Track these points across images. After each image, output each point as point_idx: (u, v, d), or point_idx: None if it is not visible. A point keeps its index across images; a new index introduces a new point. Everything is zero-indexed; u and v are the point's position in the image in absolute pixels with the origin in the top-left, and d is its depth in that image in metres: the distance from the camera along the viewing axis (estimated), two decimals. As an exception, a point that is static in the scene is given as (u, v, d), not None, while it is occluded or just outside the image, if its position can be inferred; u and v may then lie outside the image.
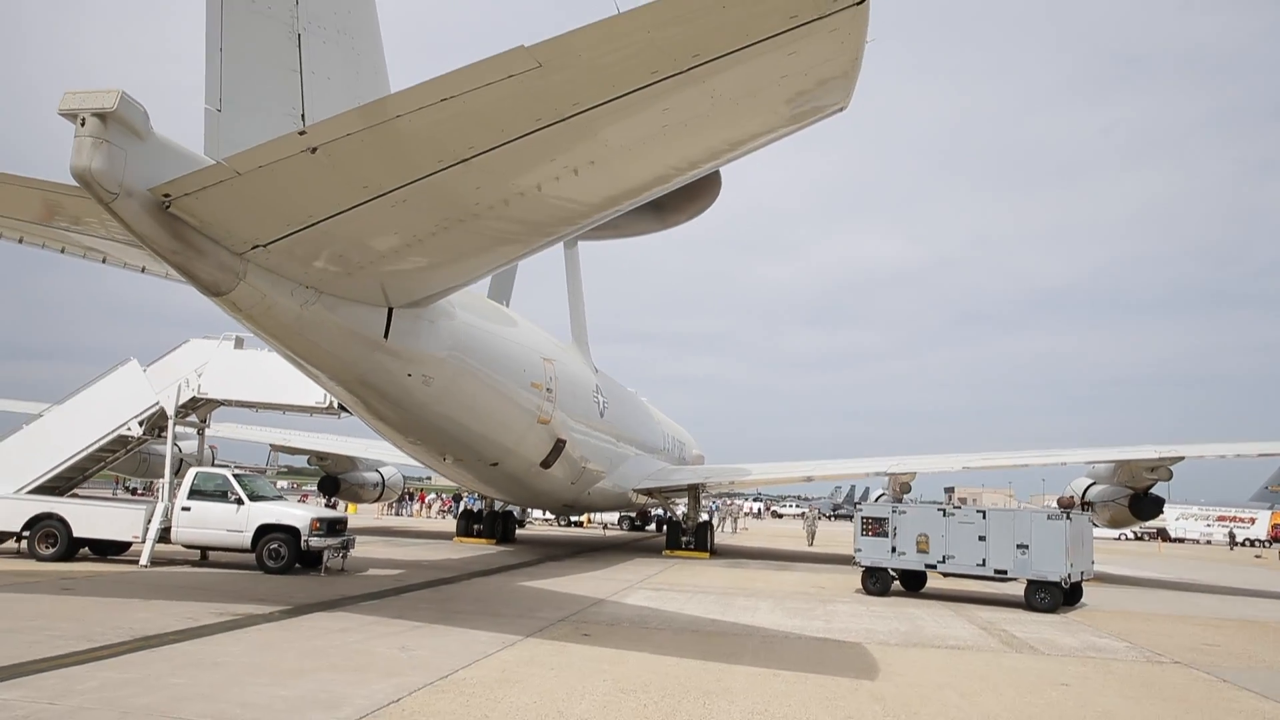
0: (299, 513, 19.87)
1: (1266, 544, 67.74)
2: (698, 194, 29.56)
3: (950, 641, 14.87)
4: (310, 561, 20.17)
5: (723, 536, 53.12)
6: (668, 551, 32.56)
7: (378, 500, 41.64)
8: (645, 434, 35.23)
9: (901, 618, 17.59)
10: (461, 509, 37.02)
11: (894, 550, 21.52)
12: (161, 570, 19.18)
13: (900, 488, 33.25)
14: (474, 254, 13.81)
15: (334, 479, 36.90)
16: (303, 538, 19.45)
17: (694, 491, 33.55)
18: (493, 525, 33.87)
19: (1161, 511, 30.93)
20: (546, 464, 23.93)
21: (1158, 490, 29.07)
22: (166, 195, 11.39)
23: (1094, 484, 31.19)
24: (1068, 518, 19.97)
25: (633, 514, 51.08)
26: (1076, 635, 16.26)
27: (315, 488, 40.77)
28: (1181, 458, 27.35)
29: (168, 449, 21.02)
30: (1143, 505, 29.10)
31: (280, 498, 21.75)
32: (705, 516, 42.43)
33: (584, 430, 26.12)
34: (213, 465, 33.39)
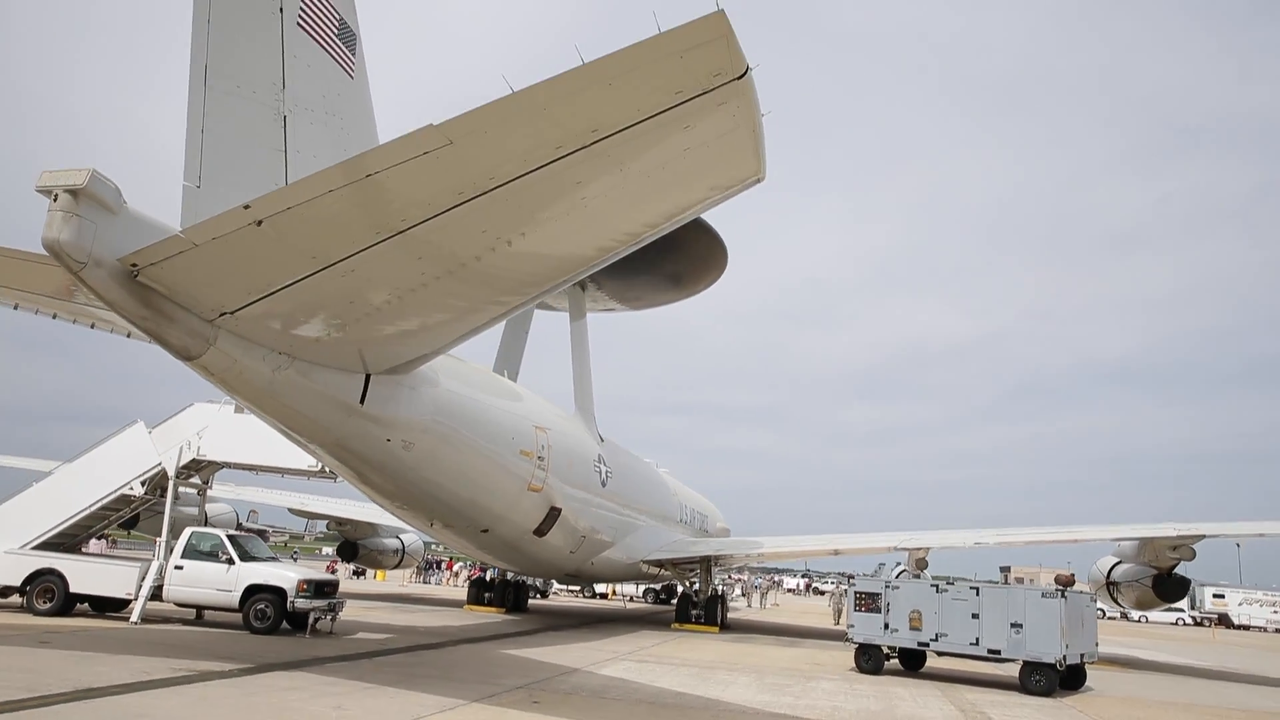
0: (286, 574, 20.21)
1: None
2: (705, 266, 30.09)
3: (918, 723, 14.42)
4: (298, 623, 20.45)
5: (750, 611, 52.15)
6: (676, 625, 32.08)
7: (398, 566, 41.84)
8: (658, 504, 35.07)
9: (880, 697, 17.08)
10: (473, 577, 36.98)
11: (887, 627, 20.98)
12: (150, 628, 19.62)
13: (917, 563, 32.38)
14: (435, 322, 14.25)
15: (353, 544, 37.31)
16: (289, 599, 19.75)
17: (705, 564, 33.17)
18: (504, 594, 33.82)
19: (1186, 593, 29.56)
20: (541, 532, 24.00)
21: (1183, 570, 27.84)
22: (134, 265, 12.08)
23: (1119, 563, 30.08)
24: (1063, 596, 19.32)
25: (657, 587, 50.49)
26: (1059, 721, 15.61)
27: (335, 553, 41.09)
28: (1202, 536, 26.27)
29: (168, 508, 21.61)
30: (1167, 586, 27.92)
31: (274, 559, 22.15)
32: (721, 589, 41.88)
33: (583, 499, 26.17)
34: (238, 527, 34.20)
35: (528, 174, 9.82)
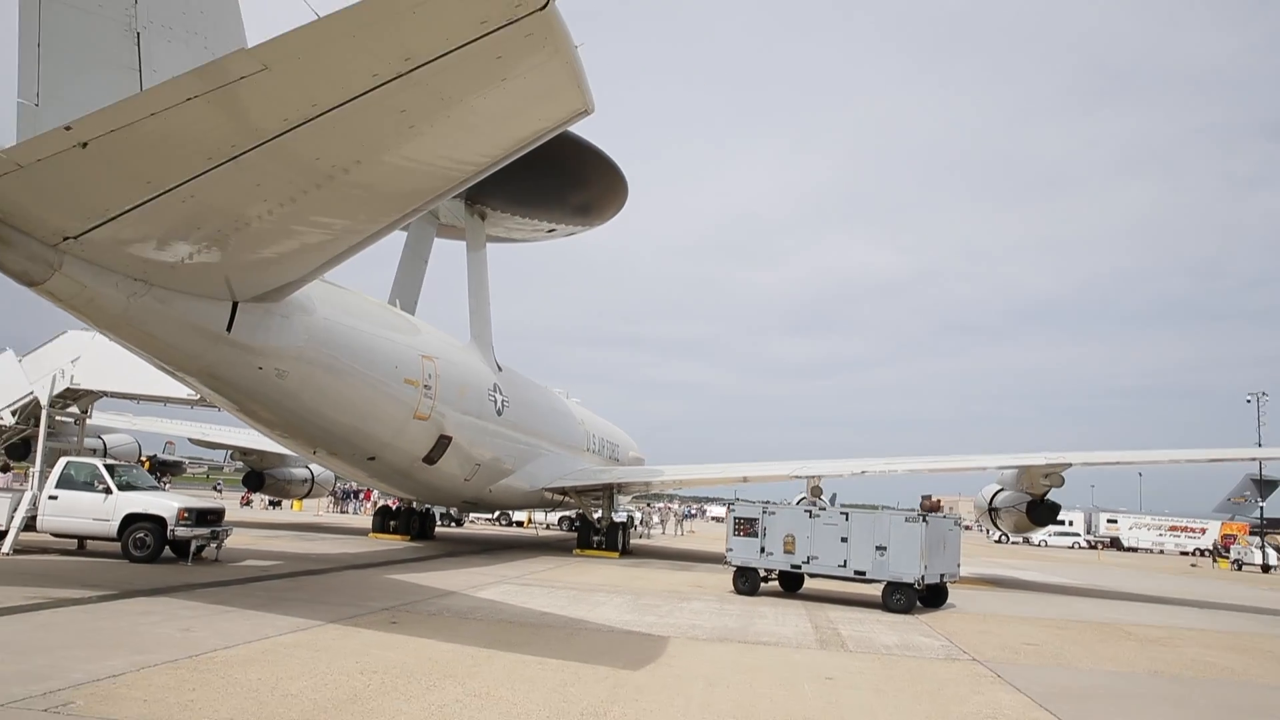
0: (166, 502, 20.13)
1: (1214, 554, 68.31)
2: (603, 199, 30.12)
3: (766, 638, 15.16)
4: (181, 551, 20.48)
5: (664, 538, 53.59)
6: (578, 550, 32.91)
7: (308, 495, 41.83)
8: (561, 433, 35.56)
9: (744, 615, 17.90)
10: (379, 506, 37.24)
11: (763, 550, 21.88)
12: (22, 558, 19.44)
13: (813, 491, 33.59)
14: (290, 249, 14.11)
15: (259, 475, 37.07)
16: (169, 527, 19.73)
17: (608, 491, 33.91)
18: (409, 522, 34.17)
19: (1056, 518, 31.38)
20: (431, 459, 24.26)
21: (1054, 496, 29.47)
22: (-43, 188, 11.67)
23: (1001, 490, 31.68)
24: (924, 520, 20.36)
25: (572, 515, 51.41)
26: (903, 635, 16.56)
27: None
28: (1069, 464, 27.82)
29: (40, 437, 21.17)
30: (1039, 511, 29.57)
31: (156, 488, 22.00)
32: (628, 516, 42.80)
33: (476, 426, 26.44)
34: (152, 458, 33.65)
35: (351, 101, 9.73)
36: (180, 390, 21.68)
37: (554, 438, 34.28)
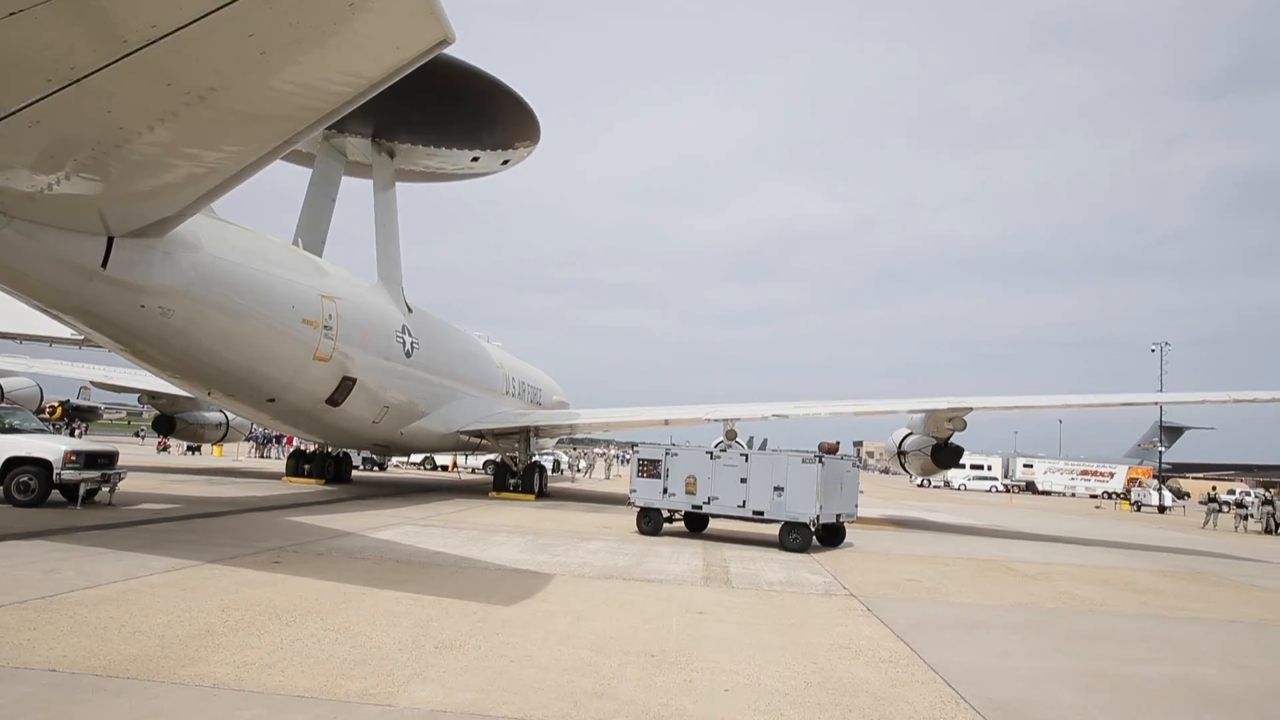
0: (52, 445, 19.53)
1: (1120, 496, 71.56)
2: (511, 136, 29.59)
3: (653, 575, 15.42)
4: (71, 495, 19.94)
5: (591, 482, 54.00)
6: (494, 493, 33.02)
7: (223, 440, 40.99)
8: (478, 376, 35.35)
9: (639, 555, 18.18)
10: (293, 450, 36.73)
11: (665, 491, 22.21)
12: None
13: (728, 434, 34.07)
14: (159, 182, 13.59)
15: (169, 418, 36.17)
16: (55, 471, 19.18)
17: (525, 434, 33.97)
18: (323, 465, 33.78)
19: (958, 460, 32.42)
20: (335, 401, 23.94)
21: (957, 440, 30.40)
22: None
23: (910, 434, 32.51)
24: (820, 462, 20.83)
25: (497, 458, 51.43)
26: (791, 572, 17.01)
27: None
28: (970, 408, 28.71)
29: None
30: (942, 454, 30.51)
31: (42, 431, 21.32)
32: (549, 460, 43.00)
33: (382, 368, 26.12)
34: (65, 404, 32.42)
35: (193, 23, 9.30)
36: (65, 330, 20.91)
37: (469, 380, 34.06)
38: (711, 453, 22.09)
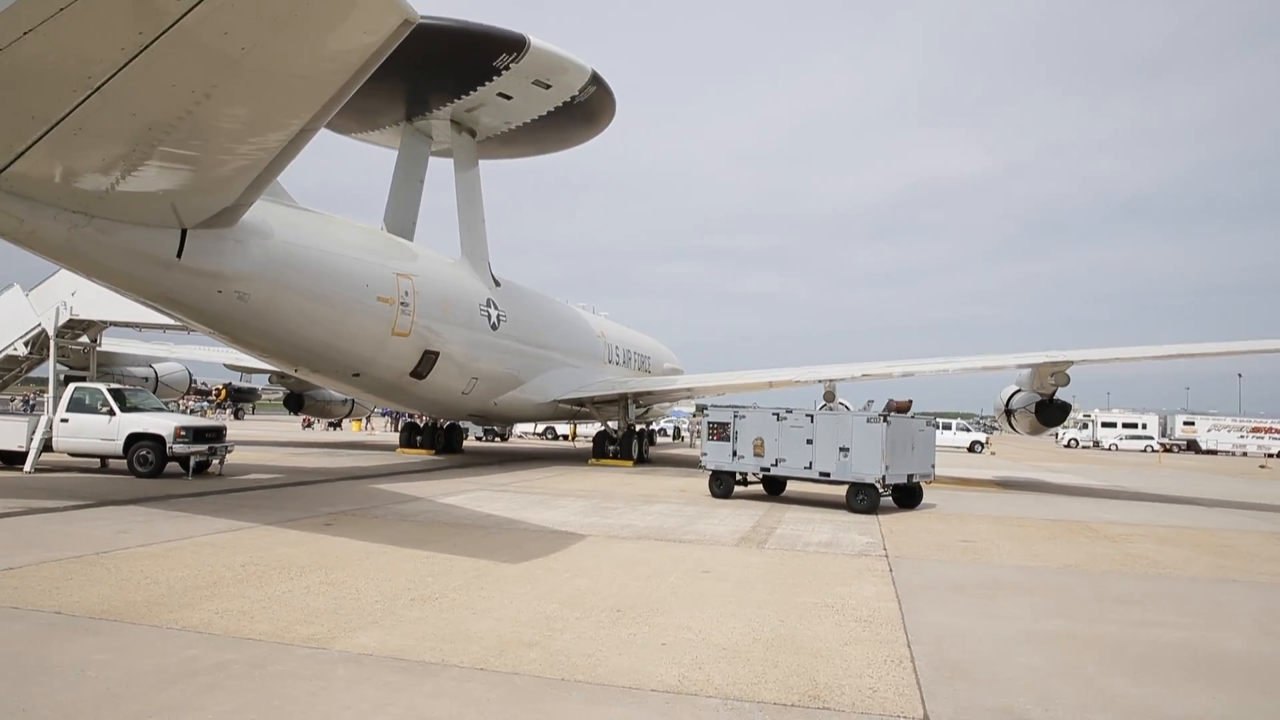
0: (165, 422, 21.62)
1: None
2: (589, 115, 29.91)
3: (691, 537, 15.47)
4: (186, 466, 22.05)
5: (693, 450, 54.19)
6: (593, 460, 33.83)
7: (349, 416, 43.78)
8: (576, 345, 36.12)
9: (694, 517, 18.23)
10: (406, 423, 38.79)
11: (734, 454, 22.19)
12: (38, 475, 21.28)
13: (826, 395, 33.42)
14: (206, 176, 14.74)
15: (298, 396, 38.98)
16: (168, 445, 21.23)
17: (623, 402, 34.54)
18: (434, 437, 35.61)
19: (1065, 418, 30.47)
20: (419, 374, 25.21)
21: (1063, 395, 28.68)
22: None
23: (1018, 391, 30.95)
24: (885, 421, 20.25)
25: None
26: (838, 534, 16.61)
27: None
28: (1070, 362, 26.98)
29: (50, 367, 22.90)
30: (1048, 411, 28.88)
31: (160, 410, 23.57)
32: (653, 426, 43.36)
33: (468, 340, 27.24)
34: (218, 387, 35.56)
35: (174, 25, 10.09)
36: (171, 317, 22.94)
37: (566, 349, 34.92)
38: (778, 414, 21.83)
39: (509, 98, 27.51)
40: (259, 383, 68.34)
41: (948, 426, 64.20)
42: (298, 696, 6.57)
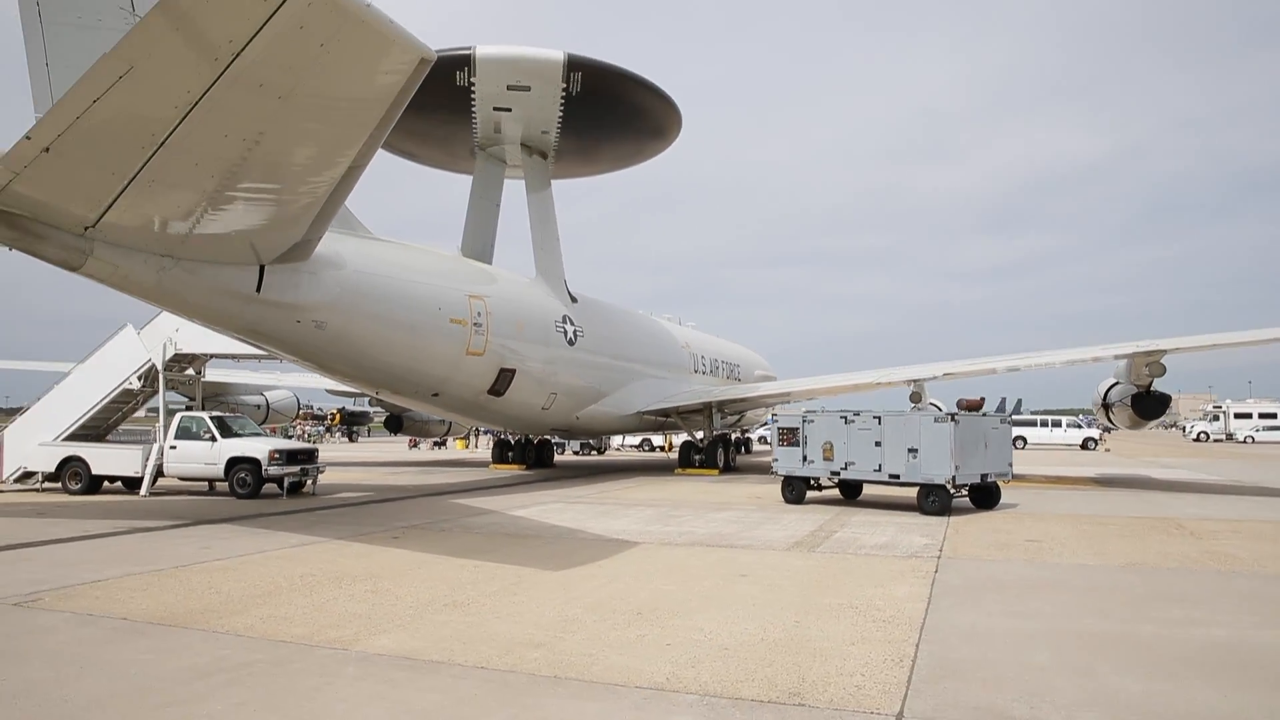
0: (261, 446, 23.14)
1: None
2: (658, 128, 30.42)
3: (745, 542, 15.59)
4: (283, 487, 23.53)
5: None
6: (679, 470, 34.10)
7: (448, 434, 45.40)
8: (659, 356, 36.49)
9: (755, 523, 18.23)
10: (497, 440, 39.97)
11: (805, 459, 22.09)
12: (151, 499, 23.11)
13: (912, 397, 32.64)
14: (272, 215, 15.87)
15: (398, 417, 40.77)
16: (263, 467, 22.71)
17: (707, 410, 34.72)
18: (524, 452, 36.65)
19: (1165, 410, 28.83)
20: (497, 392, 26.11)
21: (1160, 387, 27.28)
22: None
23: (1115, 384, 29.63)
24: (954, 420, 19.81)
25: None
26: (900, 536, 16.36)
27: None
28: (1164, 350, 25.63)
29: (160, 398, 24.87)
30: (1144, 404, 27.52)
31: (259, 435, 25.20)
32: (740, 434, 43.25)
33: (544, 357, 28.03)
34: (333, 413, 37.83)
35: (217, 81, 11.07)
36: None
37: (649, 361, 35.36)
38: (845, 416, 21.63)
39: (526, 111, 28.15)
40: (372, 407, 71.41)
41: (1058, 424, 61.49)
42: (301, 691, 7.15)
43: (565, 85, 26.99)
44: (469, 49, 26.10)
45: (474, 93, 26.98)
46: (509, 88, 27.01)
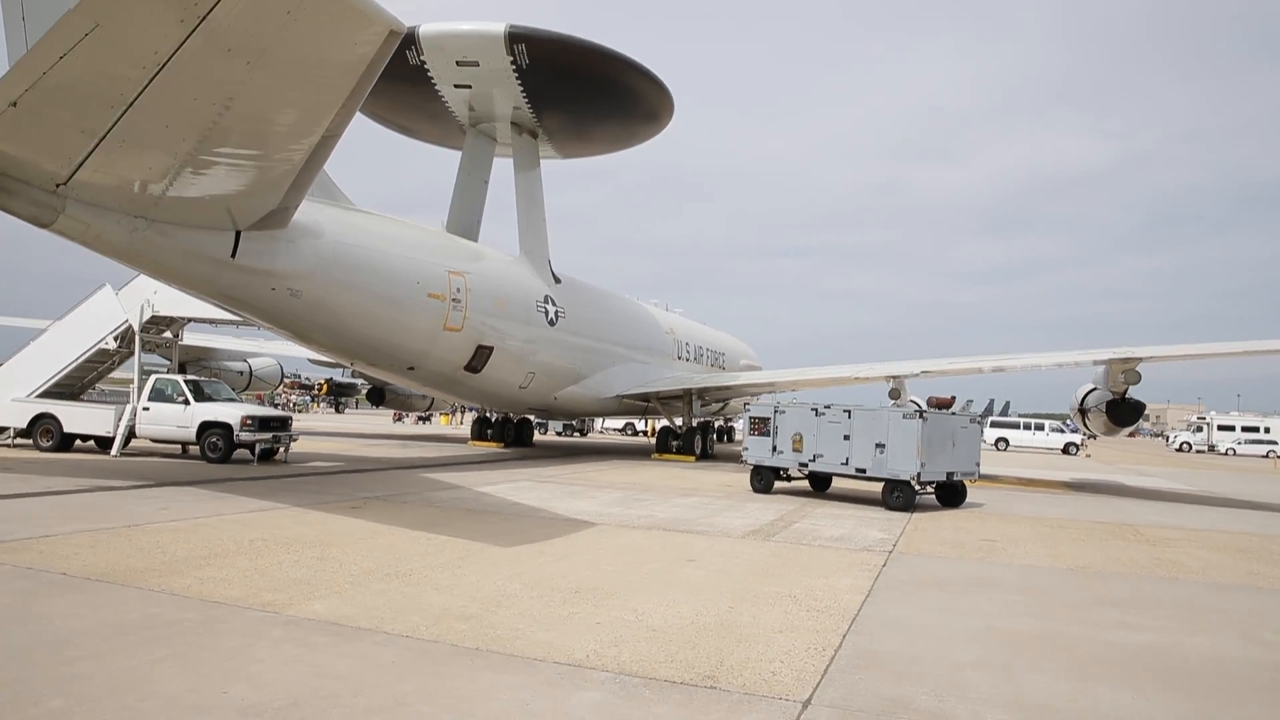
0: (233, 411, 23.17)
1: None
2: (647, 112, 30.29)
3: (704, 528, 15.61)
4: (253, 453, 23.59)
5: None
6: (656, 455, 34.23)
7: (430, 409, 45.45)
8: (641, 341, 36.51)
9: (718, 510, 18.36)
10: (477, 417, 40.06)
11: (774, 449, 22.20)
12: (121, 459, 23.15)
13: (891, 393, 32.76)
14: (246, 181, 15.83)
15: (379, 390, 40.83)
16: (234, 432, 22.75)
17: (686, 397, 34.80)
18: (503, 430, 36.73)
19: (1139, 417, 28.96)
20: (473, 369, 26.13)
21: (1135, 394, 27.38)
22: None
23: (1093, 389, 29.72)
24: (922, 417, 19.91)
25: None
26: (857, 529, 16.45)
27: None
28: (1139, 359, 25.75)
29: (136, 359, 24.84)
30: (1119, 410, 27.64)
31: (232, 400, 25.23)
32: (723, 422, 43.32)
33: (523, 336, 28.03)
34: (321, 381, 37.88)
35: (183, 45, 11.04)
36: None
37: (630, 345, 35.37)
38: (816, 409, 21.72)
39: (484, 86, 27.97)
40: (357, 378, 71.39)
41: (1040, 427, 61.70)
42: (223, 651, 7.21)
43: (513, 58, 26.58)
44: (414, 27, 25.86)
45: (429, 71, 26.92)
46: (458, 64, 26.87)
